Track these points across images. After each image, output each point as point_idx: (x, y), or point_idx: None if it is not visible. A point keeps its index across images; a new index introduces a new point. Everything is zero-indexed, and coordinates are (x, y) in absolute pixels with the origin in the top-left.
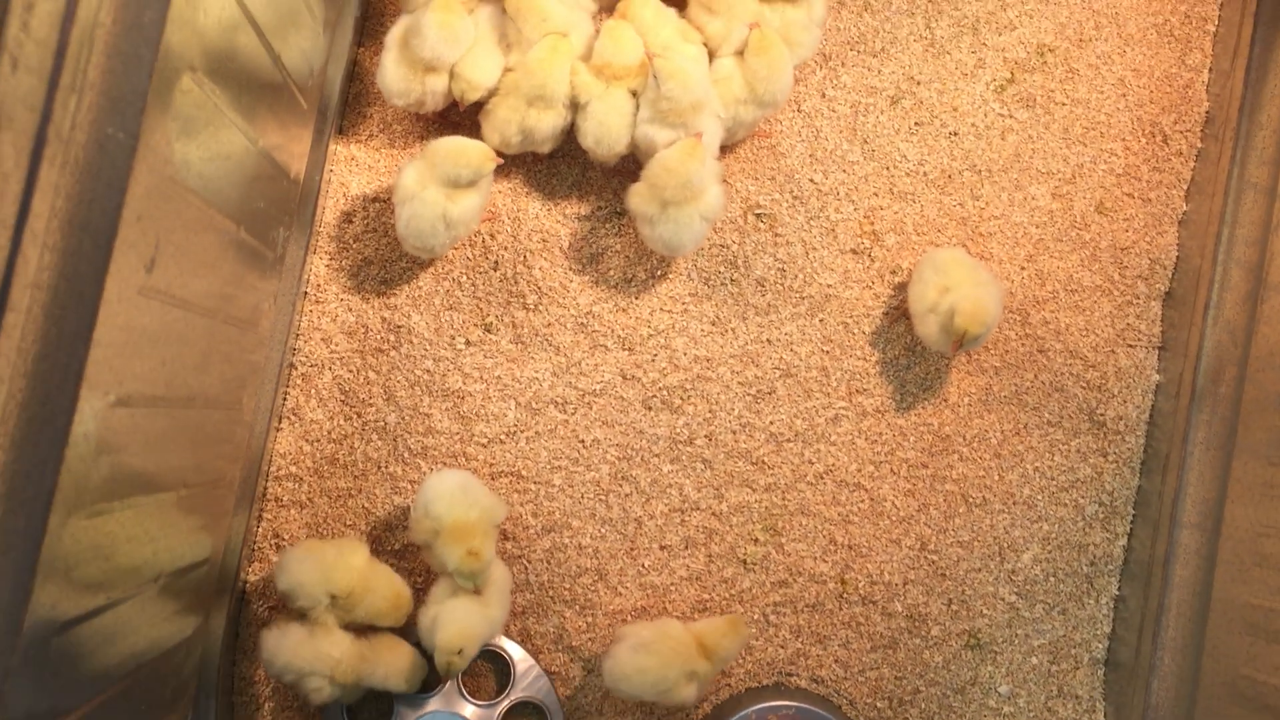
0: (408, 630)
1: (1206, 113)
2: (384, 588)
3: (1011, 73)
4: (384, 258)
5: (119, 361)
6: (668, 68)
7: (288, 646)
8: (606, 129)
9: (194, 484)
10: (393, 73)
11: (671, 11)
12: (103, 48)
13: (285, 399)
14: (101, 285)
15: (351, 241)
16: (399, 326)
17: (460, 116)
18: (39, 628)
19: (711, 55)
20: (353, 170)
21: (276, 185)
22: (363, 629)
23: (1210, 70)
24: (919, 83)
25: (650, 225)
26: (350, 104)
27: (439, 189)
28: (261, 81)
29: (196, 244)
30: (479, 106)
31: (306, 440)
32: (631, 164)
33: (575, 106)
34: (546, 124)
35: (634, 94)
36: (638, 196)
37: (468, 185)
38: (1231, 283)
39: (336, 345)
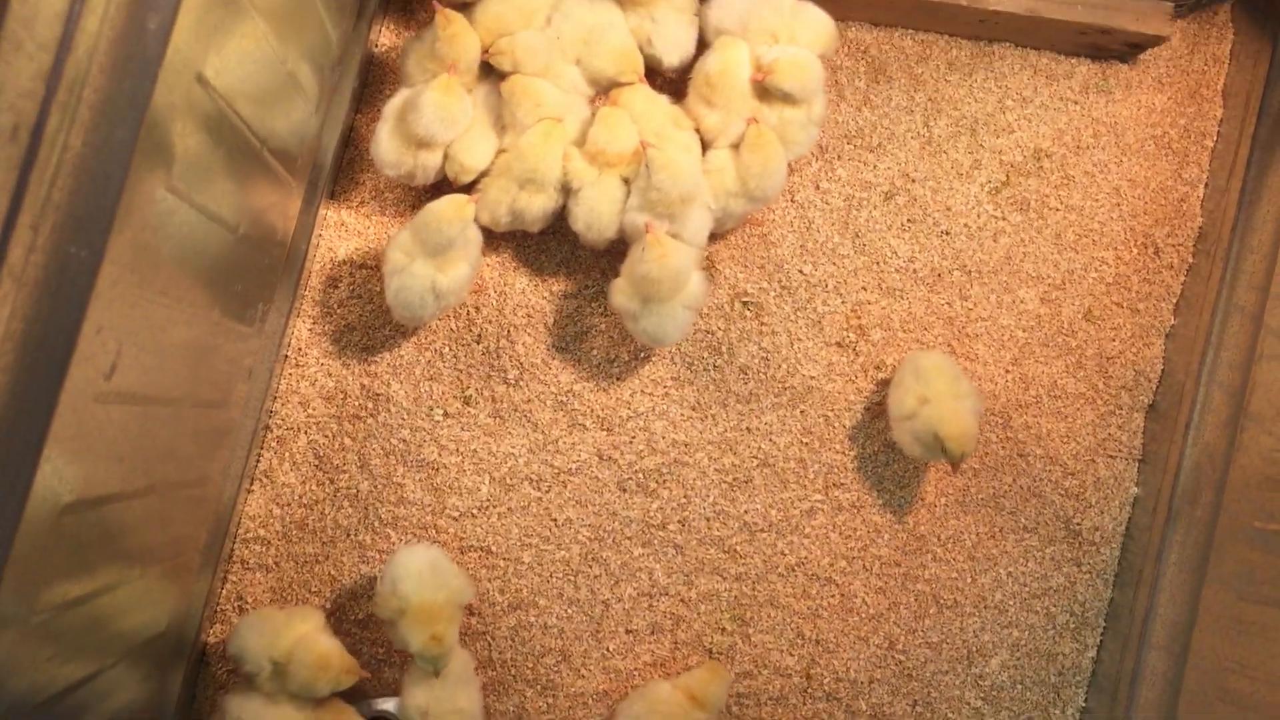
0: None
1: (1200, 228)
2: (313, 656)
3: (1007, 175)
4: (367, 324)
5: (71, 469)
6: (660, 159)
7: (250, 711)
8: (597, 215)
9: (154, 563)
10: (386, 145)
11: (664, 98)
12: (70, 169)
13: (258, 461)
14: (55, 401)
15: (336, 306)
16: (378, 394)
17: (452, 189)
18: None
19: (706, 146)
20: (342, 235)
21: (260, 260)
22: (322, 699)
23: (1206, 186)
24: (914, 180)
25: (634, 320)
26: (344, 169)
27: (427, 260)
28: (246, 165)
29: (165, 340)
30: (472, 184)
31: (277, 504)
32: (622, 245)
33: (567, 190)
34: (537, 207)
35: (626, 181)
36: (620, 294)
37: (456, 250)
38: (1213, 404)
39: (314, 409)
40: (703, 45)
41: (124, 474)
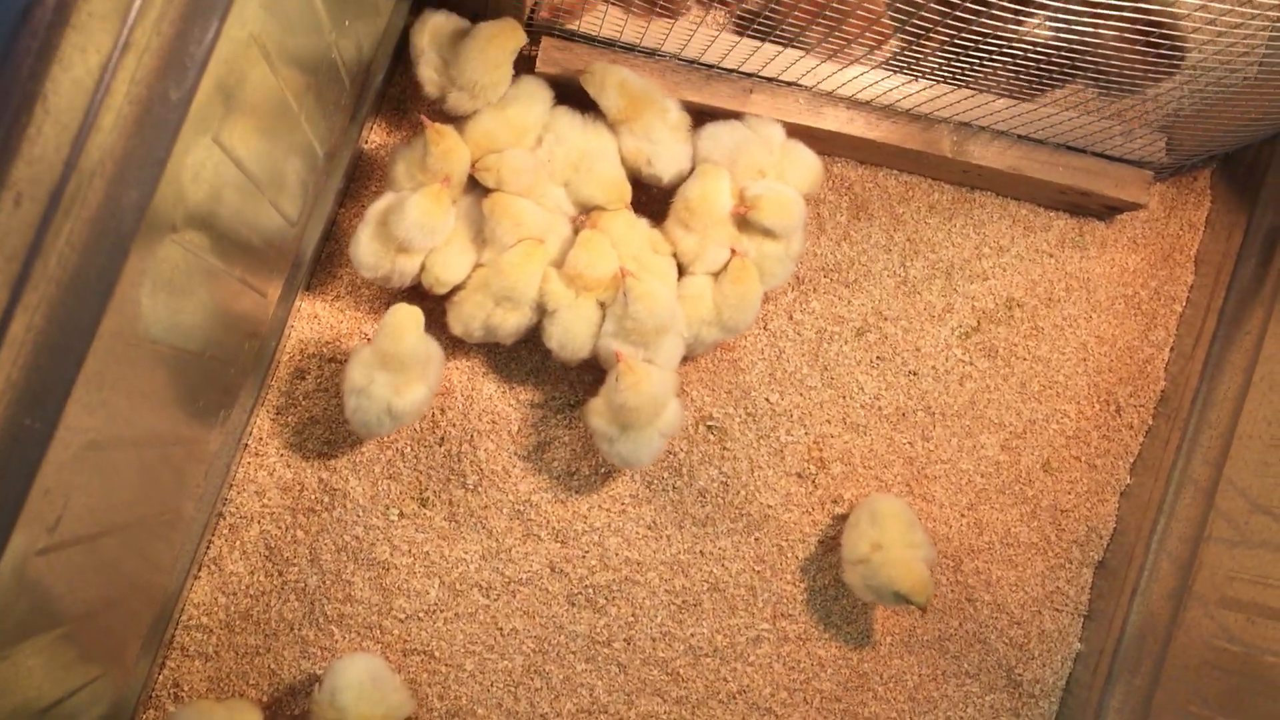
0: None
1: (1162, 391)
2: None
3: (978, 321)
4: (331, 418)
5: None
6: (638, 290)
7: None
8: (572, 336)
9: (93, 660)
10: (366, 247)
11: (644, 222)
12: (30, 348)
13: (208, 548)
14: None
15: (301, 398)
16: (335, 489)
17: (427, 293)
18: None
19: (682, 269)
20: (314, 328)
21: (226, 371)
22: None
23: (1172, 350)
24: (886, 318)
25: (609, 443)
26: (322, 262)
27: (386, 380)
28: (220, 292)
29: (118, 478)
30: (448, 294)
31: (223, 592)
32: (593, 360)
33: (543, 310)
34: (511, 323)
35: (602, 305)
36: (597, 416)
37: (414, 369)
38: (1161, 573)
39: (269, 500)
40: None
41: (64, 611)
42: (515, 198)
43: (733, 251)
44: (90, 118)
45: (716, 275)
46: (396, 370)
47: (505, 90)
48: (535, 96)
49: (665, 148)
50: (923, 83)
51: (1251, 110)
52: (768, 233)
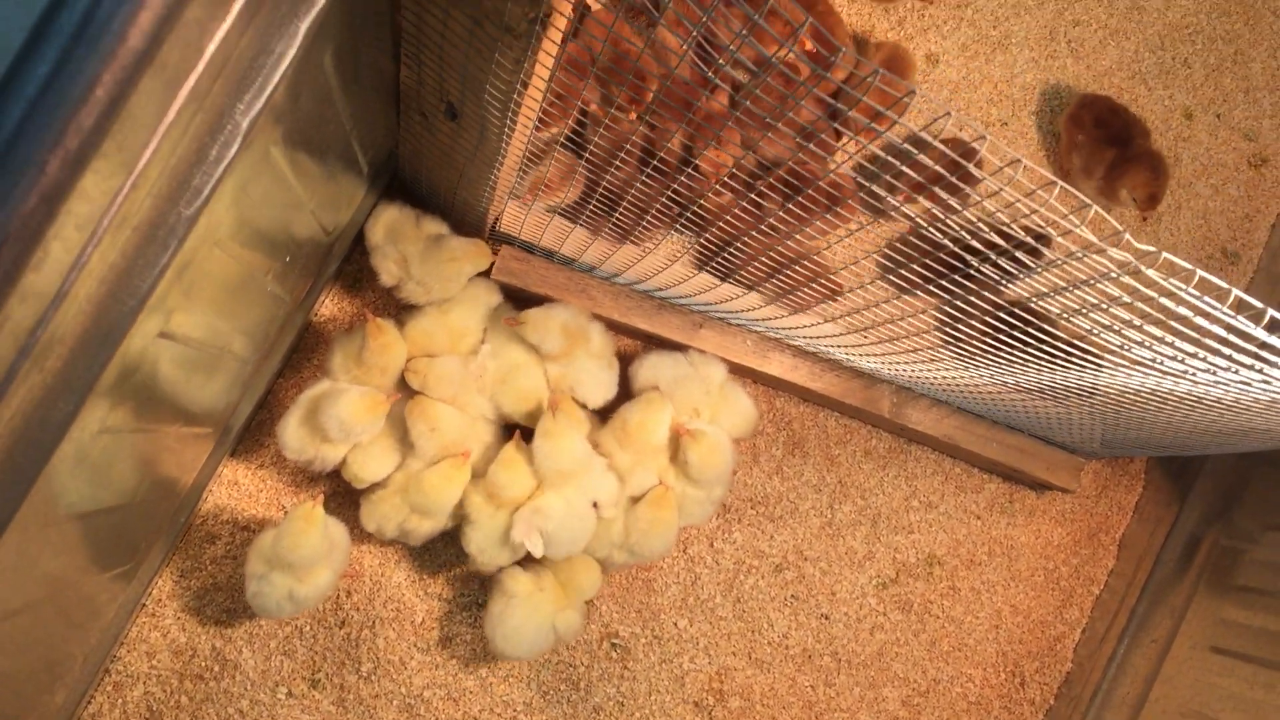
0: None
1: (1068, 673)
2: None
3: (897, 573)
4: (234, 585)
5: None
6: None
7: None
8: (491, 543)
9: None
10: (293, 432)
11: (582, 438)
12: None
13: (89, 703)
14: None
15: (208, 563)
16: (227, 659)
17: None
18: None
19: None
20: (233, 495)
21: (139, 530)
22: None
23: (1084, 632)
24: (806, 558)
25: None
26: (252, 430)
27: (286, 571)
28: (148, 457)
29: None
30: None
31: None
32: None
33: (462, 516)
34: (425, 529)
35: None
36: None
37: (318, 562)
38: None
39: (158, 661)
40: (625, 394)
41: None
42: (436, 403)
43: (660, 482)
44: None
45: (637, 500)
46: (298, 566)
47: (453, 294)
48: (480, 302)
49: (590, 375)
50: (866, 349)
51: (1174, 443)
52: (693, 474)
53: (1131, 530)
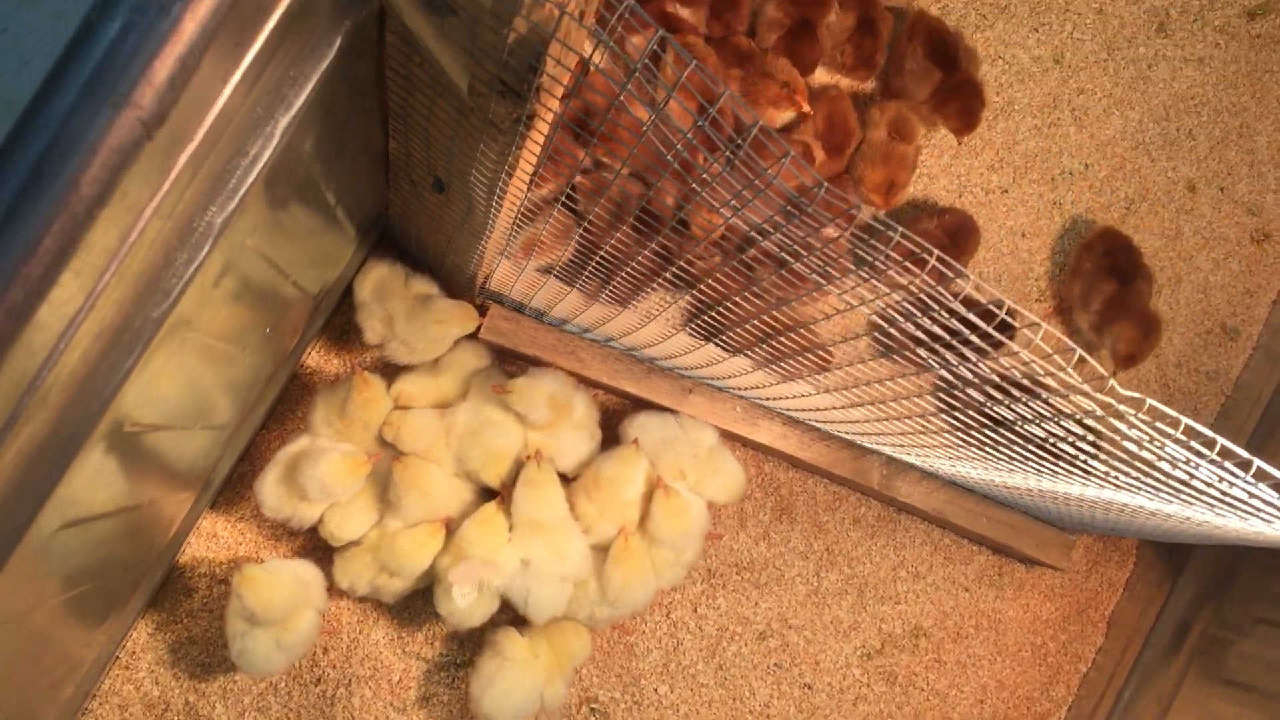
0: None
1: None
2: None
3: (882, 644)
4: (210, 639)
5: None
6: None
7: None
8: (466, 604)
9: None
10: (271, 489)
11: (560, 499)
12: None
13: None
14: None
15: (184, 616)
16: (200, 715)
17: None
18: None
19: None
20: (211, 547)
21: (117, 581)
22: None
23: (1070, 710)
24: (791, 626)
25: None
26: (233, 482)
27: (266, 626)
28: (130, 524)
29: None
30: None
31: None
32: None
33: (435, 576)
34: (397, 588)
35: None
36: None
37: (295, 609)
38: None
39: (131, 714)
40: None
41: None
42: (427, 467)
43: (621, 529)
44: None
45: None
46: (276, 620)
47: (442, 354)
48: (467, 367)
49: (570, 446)
50: (856, 425)
51: (1165, 535)
52: (653, 530)
53: (1121, 608)
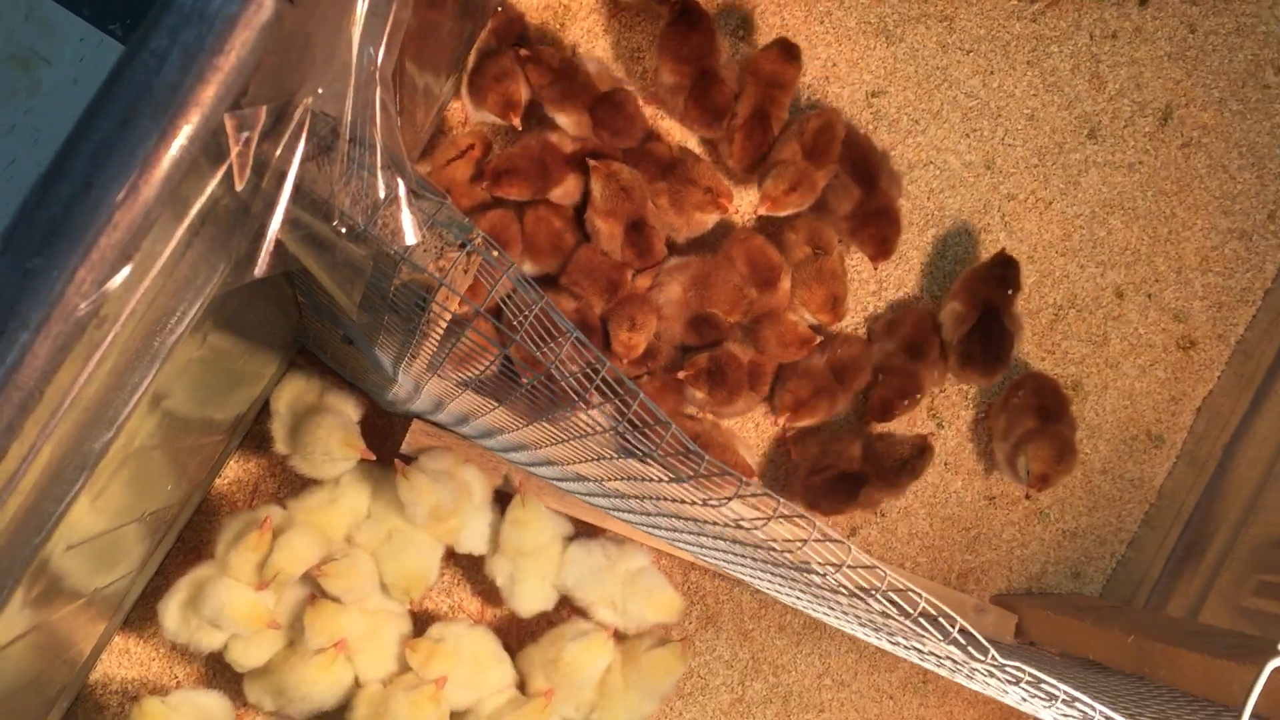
0: None
1: None
2: None
3: None
4: None
5: None
6: None
7: None
8: None
9: None
10: (173, 614)
11: (490, 641)
12: None
13: None
14: None
15: None
16: None
17: None
18: None
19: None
20: (123, 663)
21: (21, 709)
22: None
23: None
24: None
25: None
26: (145, 597)
27: None
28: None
29: None
30: None
31: None
32: None
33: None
34: (306, 709)
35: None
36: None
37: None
38: None
39: None
40: None
41: None
42: (341, 611)
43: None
44: None
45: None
46: None
47: (342, 473)
48: (364, 495)
49: (471, 529)
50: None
51: None
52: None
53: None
